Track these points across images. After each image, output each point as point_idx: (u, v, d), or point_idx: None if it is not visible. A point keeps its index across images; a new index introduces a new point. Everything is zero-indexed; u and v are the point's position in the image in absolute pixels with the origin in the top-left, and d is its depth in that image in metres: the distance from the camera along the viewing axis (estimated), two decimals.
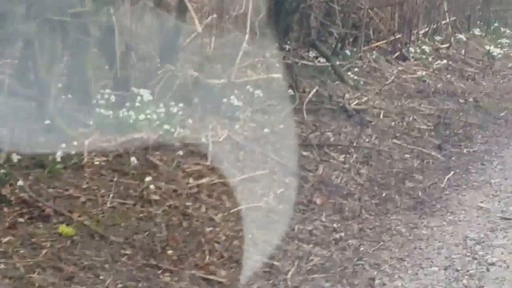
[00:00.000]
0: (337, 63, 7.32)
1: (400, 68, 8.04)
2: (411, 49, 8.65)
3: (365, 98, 6.85)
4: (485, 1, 13.59)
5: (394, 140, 5.89)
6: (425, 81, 8.02)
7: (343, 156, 5.02)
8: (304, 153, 4.87)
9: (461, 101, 7.60)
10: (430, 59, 8.78)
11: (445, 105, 7.28)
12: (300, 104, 5.80)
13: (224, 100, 5.07)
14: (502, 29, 13.32)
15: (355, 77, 7.31)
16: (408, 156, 5.59)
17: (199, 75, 5.42)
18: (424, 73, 8.10)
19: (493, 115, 7.40)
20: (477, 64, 9.47)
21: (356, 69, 7.46)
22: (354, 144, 5.41)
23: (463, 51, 9.73)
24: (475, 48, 10.81)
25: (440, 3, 10.52)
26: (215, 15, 6.15)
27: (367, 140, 5.70)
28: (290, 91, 5.96)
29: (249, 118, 5.09)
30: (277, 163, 4.43)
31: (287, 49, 6.82)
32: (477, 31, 12.23)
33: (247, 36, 5.84)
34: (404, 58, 8.46)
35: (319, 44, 7.40)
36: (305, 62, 7.11)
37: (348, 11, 8.10)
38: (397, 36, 8.55)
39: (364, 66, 7.71)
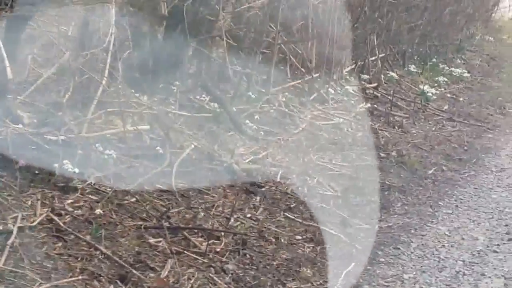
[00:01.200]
0: (235, 108, 6.28)
1: (315, 112, 6.98)
2: (331, 90, 7.52)
3: (264, 153, 5.70)
4: (422, 34, 12.77)
5: (287, 214, 4.75)
6: (342, 129, 6.88)
7: (206, 243, 3.77)
8: (152, 240, 3.68)
9: (382, 155, 6.63)
10: (353, 101, 7.66)
11: (362, 161, 6.26)
12: (169, 166, 4.62)
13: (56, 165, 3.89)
14: (441, 66, 12.56)
15: (257, 126, 6.15)
16: (299, 238, 4.45)
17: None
18: (342, 119, 6.93)
19: (419, 174, 6.44)
20: (408, 107, 8.44)
21: (257, 116, 6.39)
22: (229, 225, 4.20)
23: (392, 91, 8.71)
24: (409, 88, 9.93)
25: (369, 36, 9.45)
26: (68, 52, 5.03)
27: (248, 215, 4.50)
28: (159, 149, 4.88)
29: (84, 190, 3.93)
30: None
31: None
32: (412, 68, 11.36)
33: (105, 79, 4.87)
34: (323, 101, 7.36)
35: (211, 86, 6.31)
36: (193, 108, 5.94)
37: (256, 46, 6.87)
38: (314, 75, 7.43)
39: (271, 110, 6.65)
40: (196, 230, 3.98)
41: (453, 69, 12.65)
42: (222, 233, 4.00)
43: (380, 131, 6.92)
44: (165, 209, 4.10)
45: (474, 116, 8.86)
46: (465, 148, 7.53)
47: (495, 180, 6.45)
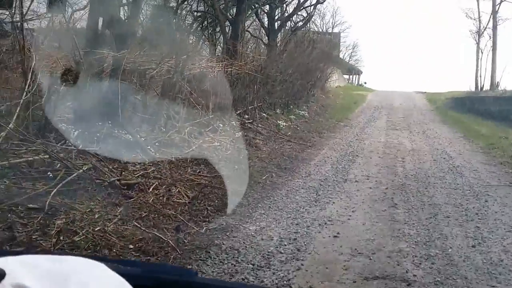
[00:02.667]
0: (149, 137, 6.13)
1: (207, 138, 7.22)
2: (220, 124, 7.76)
3: (152, 168, 5.08)
4: (285, 93, 13.43)
5: (137, 222, 3.79)
6: (219, 149, 7.03)
7: None
8: None
9: (236, 167, 6.23)
10: (233, 131, 7.98)
11: (221, 172, 5.46)
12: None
13: None
14: (294, 110, 13.31)
15: (161, 149, 5.86)
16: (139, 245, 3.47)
17: None
18: (222, 142, 7.23)
19: (255, 180, 5.75)
20: (266, 134, 8.82)
21: (165, 142, 6.26)
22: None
23: (259, 124, 9.07)
24: (272, 122, 10.38)
25: (247, 94, 9.84)
26: None
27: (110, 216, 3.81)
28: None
29: None
30: None
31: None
32: (278, 111, 11.96)
33: None
34: (214, 131, 7.68)
35: (131, 123, 5.94)
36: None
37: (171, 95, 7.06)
38: (212, 115, 7.69)
39: (177, 138, 6.67)
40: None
41: (300, 111, 13.31)
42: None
43: (242, 150, 7.07)
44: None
45: (303, 138, 9.47)
46: (292, 160, 7.62)
47: (302, 183, 6.10)
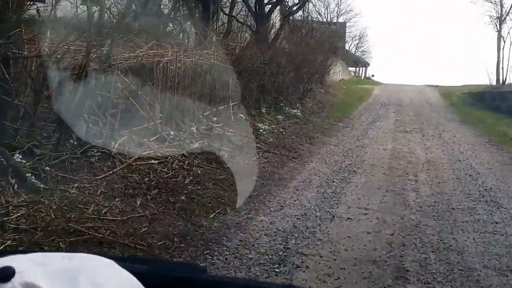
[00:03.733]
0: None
1: (146, 151, 5.24)
2: (171, 132, 5.84)
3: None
4: (275, 89, 11.57)
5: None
6: (157, 169, 5.01)
7: None
8: None
9: (169, 202, 4.40)
10: (190, 140, 6.04)
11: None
12: None
13: None
14: (284, 108, 11.37)
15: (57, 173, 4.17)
16: None
17: None
18: (159, 161, 5.29)
19: (188, 230, 4.06)
20: (239, 142, 6.86)
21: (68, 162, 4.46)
22: None
23: (232, 129, 7.31)
24: (252, 125, 8.34)
25: (224, 90, 7.93)
26: None
27: None
28: None
29: None
30: None
31: None
32: (263, 109, 9.96)
33: None
34: (163, 140, 5.67)
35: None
36: None
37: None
38: (157, 121, 5.80)
39: (97, 154, 4.86)
40: None
41: (291, 110, 11.33)
42: None
43: (194, 170, 5.13)
44: None
45: (288, 146, 7.51)
46: (263, 181, 5.62)
47: (266, 225, 4.14)
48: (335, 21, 40.45)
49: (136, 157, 5.15)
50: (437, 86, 28.73)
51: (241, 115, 8.60)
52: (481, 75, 47.38)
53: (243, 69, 9.55)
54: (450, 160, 7.61)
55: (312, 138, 8.85)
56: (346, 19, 41.92)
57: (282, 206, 4.76)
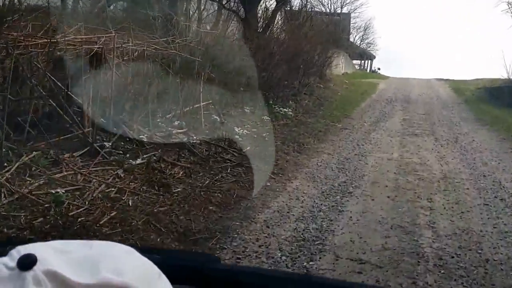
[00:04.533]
0: None
1: (62, 174, 3.77)
2: (107, 144, 4.38)
3: None
4: (262, 83, 10.11)
5: None
6: (62, 202, 3.59)
7: None
8: None
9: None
10: (133, 153, 4.59)
11: None
12: None
13: None
14: (274, 106, 9.89)
15: None
16: None
17: None
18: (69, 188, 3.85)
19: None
20: (204, 154, 5.42)
21: None
22: None
23: (199, 137, 5.87)
24: (230, 130, 6.89)
25: (190, 87, 6.50)
26: None
27: None
28: None
29: None
30: None
31: None
32: (246, 109, 8.51)
33: None
34: (93, 154, 4.21)
35: None
36: None
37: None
38: (87, 130, 4.32)
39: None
40: None
41: (282, 109, 9.76)
42: None
43: (127, 196, 3.66)
44: None
45: (268, 158, 5.95)
46: (223, 213, 4.22)
47: None
48: (339, 11, 38.88)
49: (40, 182, 3.70)
50: (447, 80, 27.08)
51: (215, 117, 7.14)
52: (495, 68, 45.40)
53: (221, 61, 8.10)
54: (472, 175, 6.10)
55: (302, 144, 7.34)
56: (350, 9, 40.24)
57: (239, 258, 3.33)
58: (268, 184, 5.17)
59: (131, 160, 4.55)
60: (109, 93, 4.99)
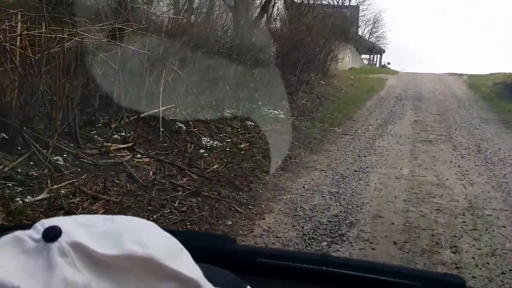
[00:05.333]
0: None
1: None
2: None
3: None
4: (247, 79, 8.74)
5: None
6: None
7: None
8: None
9: None
10: (45, 179, 3.17)
11: None
12: None
13: None
14: (263, 108, 8.46)
15: None
16: None
17: None
18: None
19: None
20: (146, 175, 3.97)
21: None
22: None
23: (151, 151, 4.44)
24: (197, 137, 5.50)
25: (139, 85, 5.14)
26: None
27: None
28: None
29: None
30: None
31: None
32: (227, 113, 7.11)
33: None
34: None
35: None
36: None
37: None
38: None
39: None
40: None
41: (272, 111, 8.26)
42: None
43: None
44: None
45: (238, 180, 4.55)
46: None
47: None
48: (347, 4, 37.18)
49: None
50: (460, 74, 25.34)
51: (180, 125, 5.70)
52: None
53: (195, 55, 6.66)
54: (506, 202, 4.59)
55: (290, 158, 5.88)
56: (359, 1, 38.53)
57: None
58: (229, 223, 3.73)
59: (28, 197, 3.15)
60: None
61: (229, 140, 5.98)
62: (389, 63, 40.56)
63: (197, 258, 0.47)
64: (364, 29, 39.98)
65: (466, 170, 5.79)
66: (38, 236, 0.40)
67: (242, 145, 5.93)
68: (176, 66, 5.90)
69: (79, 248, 0.39)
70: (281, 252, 1.55)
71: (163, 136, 5.11)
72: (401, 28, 69.11)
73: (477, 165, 6.09)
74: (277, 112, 8.41)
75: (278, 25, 12.15)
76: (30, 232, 0.41)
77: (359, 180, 5.24)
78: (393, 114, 10.70)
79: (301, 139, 7.08)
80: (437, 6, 67.10)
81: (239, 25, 9.63)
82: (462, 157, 6.60)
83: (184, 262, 0.44)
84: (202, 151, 5.15)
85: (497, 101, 13.10)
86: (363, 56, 38.85)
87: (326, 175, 5.35)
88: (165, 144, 5.07)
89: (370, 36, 40.89)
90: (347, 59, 24.68)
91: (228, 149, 5.65)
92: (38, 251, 0.39)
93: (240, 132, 6.61)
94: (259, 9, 11.11)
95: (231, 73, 8.16)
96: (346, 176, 5.36)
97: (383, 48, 41.59)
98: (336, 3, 36.25)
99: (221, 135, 6.08)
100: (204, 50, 6.78)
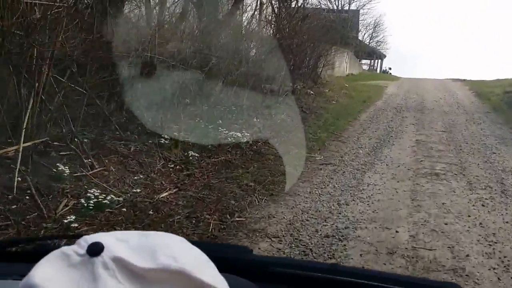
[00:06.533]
0: None
1: None
2: None
3: None
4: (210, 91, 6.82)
5: None
6: None
7: None
8: None
9: None
10: None
11: None
12: None
13: None
14: (220, 129, 6.50)
15: None
16: None
17: None
18: None
19: None
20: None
21: None
22: None
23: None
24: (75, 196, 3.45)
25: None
26: None
27: None
28: None
29: None
30: None
31: None
32: (163, 140, 5.19)
33: None
34: None
35: None
36: None
37: None
38: None
39: None
40: None
41: (233, 133, 6.33)
42: None
43: None
44: None
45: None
46: None
47: None
48: (347, 8, 35.22)
49: None
50: (464, 80, 23.25)
51: (61, 168, 3.73)
52: None
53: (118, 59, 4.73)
54: None
55: (230, 214, 3.89)
56: (359, 5, 36.53)
57: None
58: None
59: None
60: None
61: (142, 188, 4.00)
62: (390, 69, 38.49)
63: (217, 268, 0.50)
64: (365, 33, 37.96)
65: (494, 234, 3.79)
66: (83, 251, 0.44)
67: (163, 194, 3.96)
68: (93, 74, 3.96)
69: (119, 262, 0.43)
70: (293, 261, 1.72)
71: (18, 191, 3.17)
72: (402, 33, 66.81)
73: (505, 222, 4.09)
74: (240, 135, 6.42)
75: (256, 26, 10.22)
76: (74, 247, 0.45)
77: (331, 258, 3.27)
78: (391, 131, 8.70)
79: (261, 176, 5.09)
80: (438, 10, 64.53)
81: (201, 21, 7.69)
82: (480, 202, 4.60)
83: (211, 273, 0.47)
84: (72, 217, 3.14)
85: (510, 113, 11.05)
86: (364, 61, 36.82)
87: (279, 249, 3.37)
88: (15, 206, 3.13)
89: (371, 41, 38.83)
90: (344, 65, 22.68)
91: (131, 205, 3.65)
92: (83, 265, 0.43)
93: (173, 168, 4.65)
94: (231, 6, 9.15)
95: (180, 85, 6.23)
96: (311, 249, 3.39)
97: (384, 53, 39.52)
98: (335, 7, 34.37)
99: (135, 177, 4.12)
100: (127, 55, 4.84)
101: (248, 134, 6.72)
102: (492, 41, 59.92)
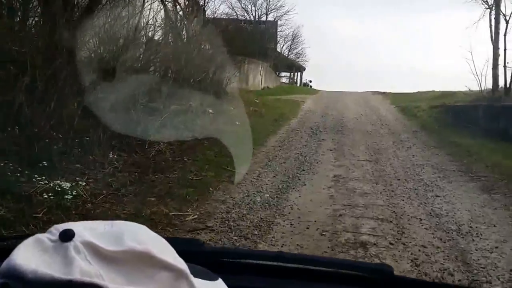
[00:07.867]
0: None
1: None
2: None
3: None
4: None
5: None
6: None
7: None
8: None
9: None
10: None
11: None
12: None
13: None
14: (38, 179, 3.65)
15: None
16: None
17: None
18: None
19: None
20: None
21: None
22: None
23: None
24: None
25: None
26: None
27: None
28: None
29: None
30: None
31: None
32: None
33: None
34: None
35: None
36: None
37: None
38: None
39: None
40: None
41: (58, 182, 3.50)
42: None
43: None
44: None
45: None
46: None
47: None
48: (264, 19, 33.91)
49: None
50: (384, 93, 22.48)
51: None
52: (450, 78, 41.60)
53: None
54: None
55: None
56: (276, 17, 35.32)
57: None
58: None
59: None
60: None
61: None
62: (310, 81, 37.67)
63: None
64: (283, 45, 36.84)
65: None
66: (55, 237, 0.47)
67: None
68: None
69: (90, 246, 0.46)
70: (243, 251, 1.79)
71: None
72: (320, 45, 67.22)
73: None
74: (68, 185, 3.98)
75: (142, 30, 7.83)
76: (46, 235, 0.48)
77: None
78: (303, 162, 6.71)
79: None
80: (357, 21, 65.90)
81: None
82: None
83: (172, 256, 0.50)
84: None
85: (443, 132, 9.59)
86: (283, 73, 35.69)
87: None
88: None
89: (289, 53, 37.74)
90: (259, 78, 20.92)
91: None
92: (56, 249, 0.46)
93: None
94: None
95: None
96: None
97: (303, 65, 38.70)
98: (253, 18, 32.89)
99: None
100: None
101: (83, 184, 4.31)
102: (410, 52, 62.02)
